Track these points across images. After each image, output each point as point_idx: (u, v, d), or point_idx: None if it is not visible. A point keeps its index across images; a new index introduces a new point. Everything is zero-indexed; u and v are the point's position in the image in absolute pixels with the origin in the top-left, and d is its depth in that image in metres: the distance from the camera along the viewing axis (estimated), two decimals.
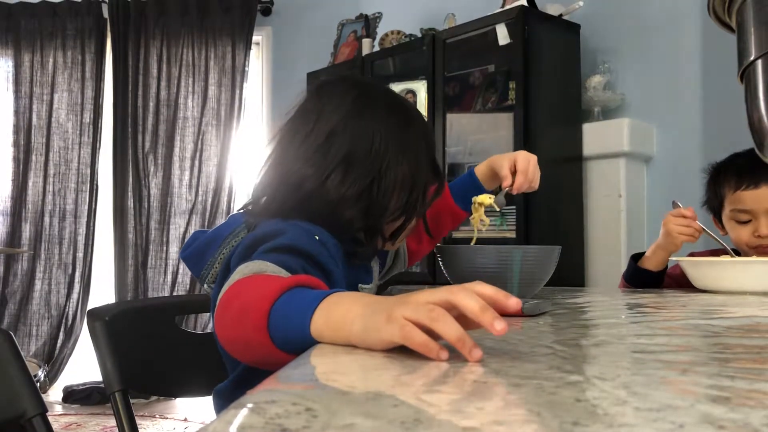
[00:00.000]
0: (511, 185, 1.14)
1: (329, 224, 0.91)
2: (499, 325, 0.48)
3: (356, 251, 0.96)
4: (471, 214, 1.20)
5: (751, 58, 0.54)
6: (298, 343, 0.58)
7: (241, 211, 1.00)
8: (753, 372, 0.46)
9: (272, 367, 0.52)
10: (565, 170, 2.79)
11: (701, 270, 1.31)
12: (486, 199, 1.15)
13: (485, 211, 1.17)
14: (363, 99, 0.97)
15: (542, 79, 2.73)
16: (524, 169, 1.14)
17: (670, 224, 1.40)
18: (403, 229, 1.00)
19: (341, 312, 0.56)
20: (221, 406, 0.94)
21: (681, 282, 1.45)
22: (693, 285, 1.33)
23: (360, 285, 1.01)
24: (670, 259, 1.46)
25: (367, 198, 0.92)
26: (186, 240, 1.07)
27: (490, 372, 0.46)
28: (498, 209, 1.17)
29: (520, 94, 2.68)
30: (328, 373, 0.48)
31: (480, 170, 1.23)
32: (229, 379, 0.95)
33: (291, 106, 1.01)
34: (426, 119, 1.04)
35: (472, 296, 0.50)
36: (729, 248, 1.43)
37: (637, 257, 1.51)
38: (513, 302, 0.51)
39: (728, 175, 1.50)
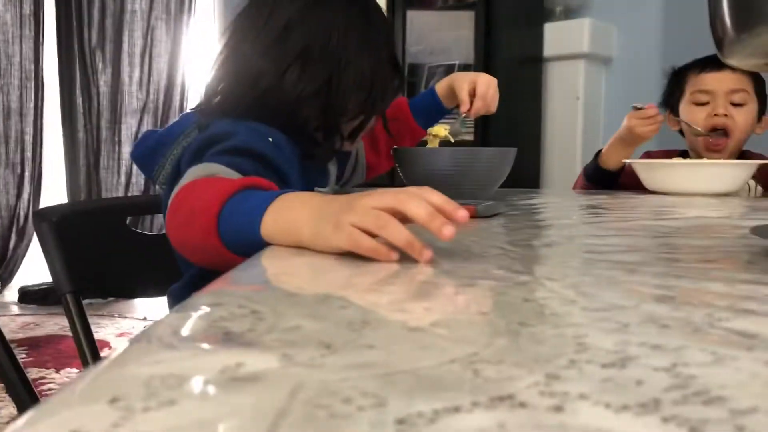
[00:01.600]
0: (469, 110, 1.14)
1: (285, 123, 0.89)
2: (448, 231, 0.48)
3: (314, 152, 0.94)
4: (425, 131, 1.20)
5: None
6: (249, 245, 0.57)
7: (194, 110, 0.97)
8: (698, 271, 0.47)
9: (225, 269, 0.51)
10: (525, 72, 2.77)
11: (654, 172, 1.33)
12: (441, 130, 1.14)
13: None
14: None
15: None
16: (483, 94, 1.13)
17: (638, 127, 1.42)
18: (363, 128, 0.98)
19: (291, 215, 0.55)
20: (175, 306, 0.94)
21: (632, 177, 1.48)
22: (644, 186, 1.36)
23: (316, 188, 0.99)
24: (623, 161, 1.48)
25: (326, 95, 0.90)
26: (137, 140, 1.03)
27: (440, 272, 0.46)
28: (452, 140, 1.16)
29: None
30: (278, 275, 0.47)
31: (440, 87, 1.21)
32: (182, 279, 0.94)
33: None
34: (385, 15, 1.01)
35: (420, 203, 0.49)
36: (695, 128, 1.48)
37: (599, 154, 1.54)
38: (461, 214, 0.50)
39: (692, 65, 1.57)
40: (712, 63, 1.49)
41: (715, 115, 1.49)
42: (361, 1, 0.96)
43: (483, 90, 1.14)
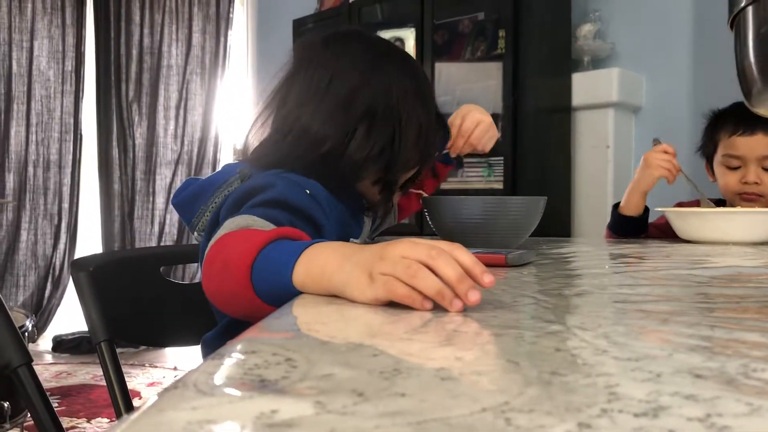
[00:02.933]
0: (450, 146, 1.13)
1: (342, 181, 0.91)
2: (474, 297, 0.49)
3: (371, 206, 0.97)
4: (454, 165, 1.21)
5: (742, 4, 0.53)
6: (282, 294, 0.58)
7: (241, 160, 0.99)
8: (732, 321, 0.46)
9: (257, 319, 0.52)
10: (554, 121, 2.78)
11: (686, 220, 1.31)
12: None
13: None
14: (376, 52, 0.96)
15: (532, 28, 2.69)
16: (466, 131, 1.12)
17: (651, 157, 1.41)
18: (416, 178, 1.00)
19: (320, 263, 0.56)
20: (208, 355, 0.95)
21: (667, 232, 1.46)
22: (678, 235, 1.34)
23: (351, 239, 1.01)
24: (656, 209, 1.47)
25: (390, 152, 0.92)
26: (177, 187, 1.06)
27: (471, 321, 0.46)
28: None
29: (510, 43, 2.64)
30: (309, 323, 0.48)
31: (451, 121, 1.22)
32: (216, 328, 0.95)
33: (287, 59, 0.98)
34: None
35: (450, 262, 0.50)
36: (705, 197, 1.45)
37: (618, 205, 1.53)
38: (488, 280, 0.51)
39: (726, 121, 1.51)
40: (744, 124, 1.45)
41: (745, 182, 1.46)
42: (409, 59, 1.00)
43: (468, 126, 1.12)
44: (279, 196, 0.80)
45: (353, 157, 0.90)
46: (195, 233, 0.96)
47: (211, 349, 0.95)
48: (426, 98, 0.97)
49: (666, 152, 1.40)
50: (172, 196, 1.01)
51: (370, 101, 0.91)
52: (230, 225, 0.72)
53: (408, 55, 1.02)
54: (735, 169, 1.48)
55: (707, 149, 1.58)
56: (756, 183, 1.45)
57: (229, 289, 0.64)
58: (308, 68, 0.96)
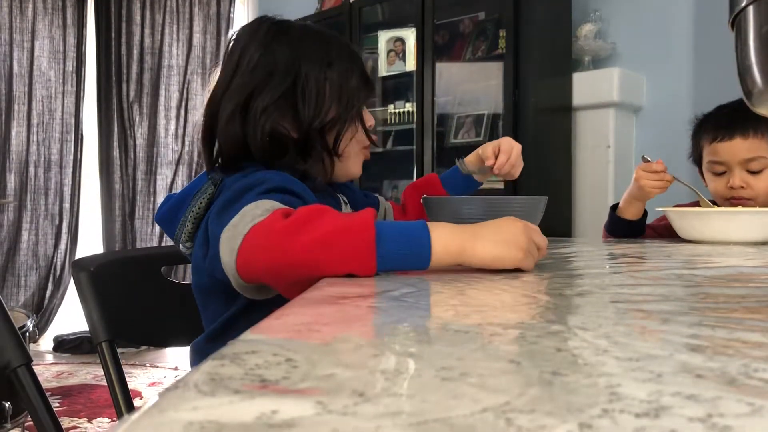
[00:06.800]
0: (494, 165, 1.21)
1: (273, 151, 0.95)
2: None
3: (313, 177, 0.99)
4: (477, 188, 1.29)
5: (743, 4, 0.53)
6: (407, 261, 0.68)
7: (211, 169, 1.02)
8: (733, 321, 0.46)
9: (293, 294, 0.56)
10: (555, 120, 2.78)
11: (687, 220, 1.31)
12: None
13: None
14: (278, 29, 1.01)
15: (533, 28, 2.69)
16: (507, 151, 1.21)
17: (642, 180, 1.41)
18: (340, 136, 1.02)
19: (457, 241, 0.69)
20: (196, 360, 0.96)
21: (662, 234, 1.46)
22: (677, 235, 1.34)
23: None
24: (656, 209, 1.47)
25: (292, 107, 0.96)
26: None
27: (472, 322, 0.46)
28: (463, 173, 1.27)
29: (511, 43, 2.64)
30: (311, 323, 0.48)
31: (469, 159, 1.29)
32: (204, 333, 0.96)
33: None
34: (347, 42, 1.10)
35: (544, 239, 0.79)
36: (703, 196, 1.45)
37: (616, 207, 1.53)
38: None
39: (707, 127, 1.51)
40: (723, 131, 1.45)
41: (731, 187, 1.45)
42: (317, 32, 1.04)
43: (507, 148, 1.20)
44: (281, 184, 0.81)
45: (257, 106, 0.94)
46: (180, 245, 0.96)
47: (198, 355, 0.95)
48: (334, 62, 1.00)
49: (655, 171, 1.40)
50: (155, 213, 1.05)
51: (270, 66, 0.97)
52: (255, 209, 0.72)
53: (319, 30, 1.05)
54: (720, 174, 1.48)
55: (695, 155, 1.58)
56: (742, 187, 1.44)
57: (345, 251, 0.65)
58: (223, 64, 1.03)
